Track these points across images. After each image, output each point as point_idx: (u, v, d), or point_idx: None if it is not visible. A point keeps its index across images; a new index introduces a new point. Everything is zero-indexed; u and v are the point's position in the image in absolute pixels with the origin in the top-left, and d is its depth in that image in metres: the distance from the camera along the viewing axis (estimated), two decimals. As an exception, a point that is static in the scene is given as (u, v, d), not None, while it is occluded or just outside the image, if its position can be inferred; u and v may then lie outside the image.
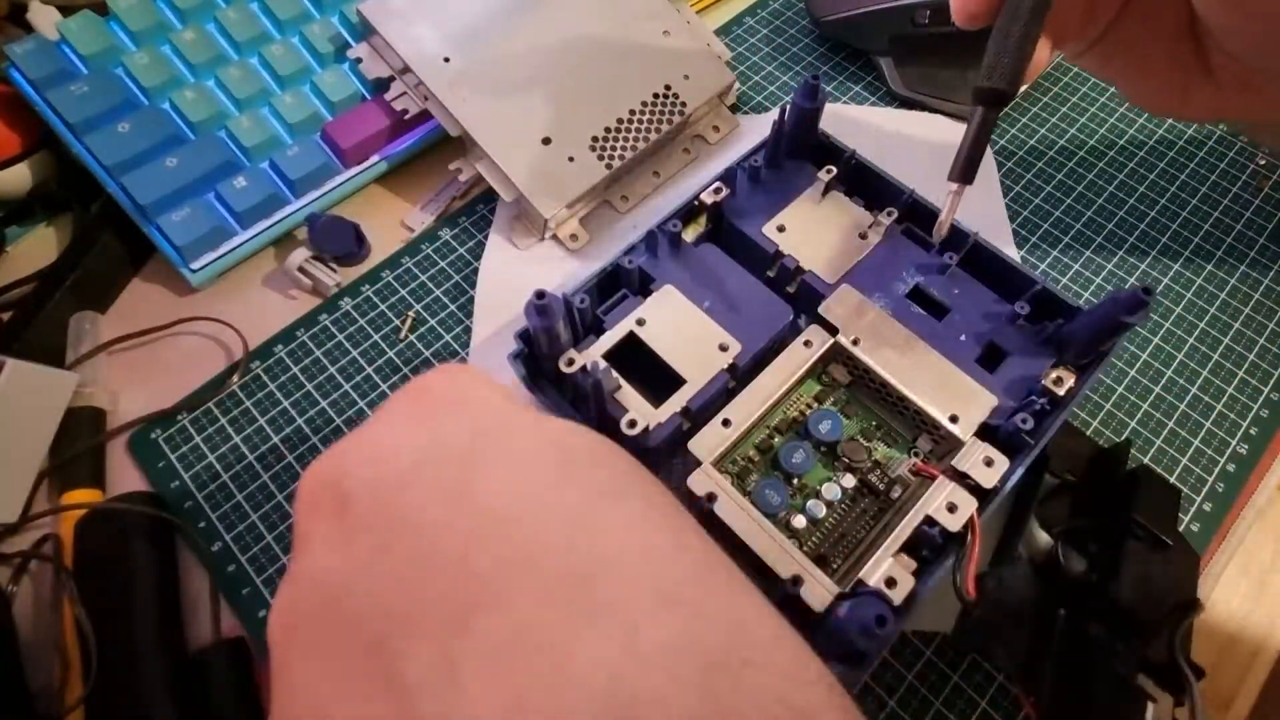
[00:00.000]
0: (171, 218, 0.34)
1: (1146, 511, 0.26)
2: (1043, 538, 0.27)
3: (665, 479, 0.28)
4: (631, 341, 0.29)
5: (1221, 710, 0.29)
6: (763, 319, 0.30)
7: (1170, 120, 0.44)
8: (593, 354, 0.28)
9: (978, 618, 0.25)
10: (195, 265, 0.35)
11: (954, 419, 0.27)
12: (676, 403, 0.28)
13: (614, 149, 0.38)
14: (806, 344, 0.29)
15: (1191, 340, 0.36)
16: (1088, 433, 0.33)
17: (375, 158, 0.39)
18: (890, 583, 0.24)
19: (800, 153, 0.34)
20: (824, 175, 0.32)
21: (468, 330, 0.36)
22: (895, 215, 0.32)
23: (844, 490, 0.28)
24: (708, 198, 0.32)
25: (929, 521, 0.25)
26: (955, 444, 0.27)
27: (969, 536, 0.25)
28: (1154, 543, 0.26)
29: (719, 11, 0.48)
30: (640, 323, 0.29)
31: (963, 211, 0.27)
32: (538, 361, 0.30)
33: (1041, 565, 0.26)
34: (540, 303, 0.26)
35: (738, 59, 0.46)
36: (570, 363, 0.28)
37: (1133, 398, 0.35)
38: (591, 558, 0.13)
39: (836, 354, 0.29)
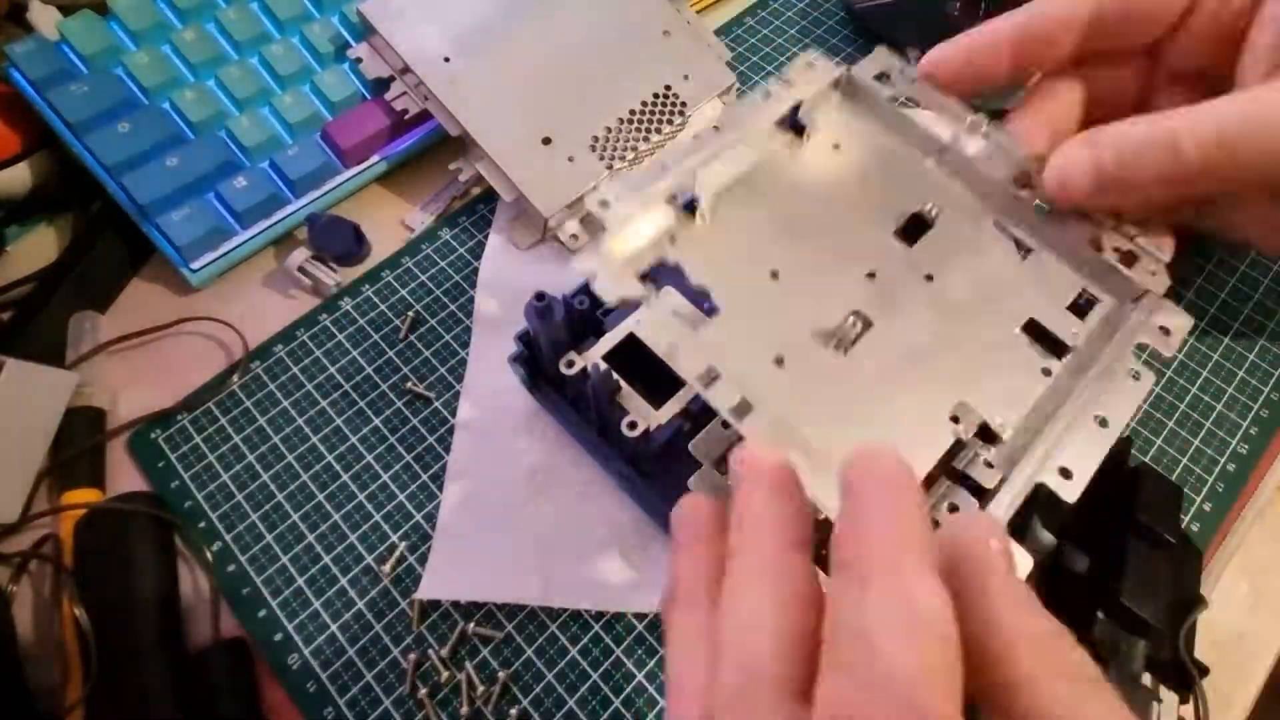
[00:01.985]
0: (171, 218, 0.34)
1: (1148, 509, 0.26)
2: (1045, 537, 0.27)
3: (666, 480, 0.29)
4: (632, 342, 0.29)
5: (1221, 710, 0.29)
6: (763, 319, 0.30)
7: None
8: (593, 355, 0.28)
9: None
10: (195, 265, 0.35)
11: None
12: (677, 404, 0.28)
13: (614, 149, 0.38)
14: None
15: (1191, 340, 0.36)
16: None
17: (375, 158, 0.39)
18: (891, 583, 0.24)
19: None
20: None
21: (468, 330, 0.35)
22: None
23: (844, 490, 0.28)
24: (708, 198, 0.32)
25: (929, 522, 0.25)
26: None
27: (970, 537, 0.25)
28: (1156, 540, 0.25)
29: (719, 11, 0.48)
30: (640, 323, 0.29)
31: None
32: (538, 363, 0.30)
33: (1044, 565, 0.26)
34: (540, 304, 0.26)
35: (738, 59, 0.46)
36: (570, 364, 0.28)
37: (1133, 398, 0.35)
38: None
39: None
